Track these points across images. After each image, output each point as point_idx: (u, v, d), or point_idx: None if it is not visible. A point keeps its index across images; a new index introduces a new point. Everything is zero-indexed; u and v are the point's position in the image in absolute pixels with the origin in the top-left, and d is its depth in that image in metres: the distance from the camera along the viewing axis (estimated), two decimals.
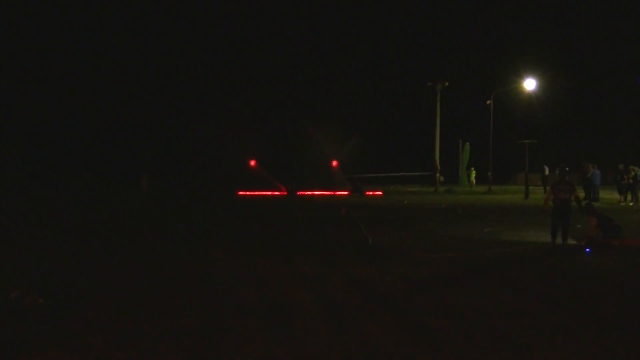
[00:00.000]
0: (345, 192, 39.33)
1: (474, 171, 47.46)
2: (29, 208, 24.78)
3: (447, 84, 49.45)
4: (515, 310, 8.74)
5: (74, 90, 56.01)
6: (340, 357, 6.77)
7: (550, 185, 16.11)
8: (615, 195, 30.49)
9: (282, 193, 37.30)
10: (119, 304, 9.04)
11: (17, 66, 48.47)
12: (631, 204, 28.33)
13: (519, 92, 47.18)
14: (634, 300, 9.58)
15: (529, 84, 44.70)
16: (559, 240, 15.10)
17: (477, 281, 10.97)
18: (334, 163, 44.66)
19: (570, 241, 15.66)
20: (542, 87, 48.01)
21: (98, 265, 12.38)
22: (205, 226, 20.02)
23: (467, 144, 50.83)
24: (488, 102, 45.27)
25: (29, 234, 16.84)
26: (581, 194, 32.88)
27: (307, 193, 37.81)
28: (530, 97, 48.89)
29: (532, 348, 7.07)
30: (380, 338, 7.41)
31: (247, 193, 38.17)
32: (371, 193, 38.89)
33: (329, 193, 39.10)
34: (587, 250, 14.30)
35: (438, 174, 46.28)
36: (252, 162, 43.35)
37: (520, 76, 45.57)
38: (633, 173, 28.73)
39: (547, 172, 39.53)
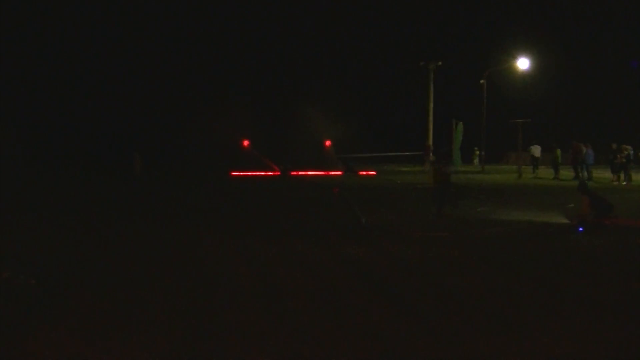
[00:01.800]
0: (339, 172, 39.24)
1: (477, 151, 46.92)
2: (22, 192, 24.68)
3: (440, 63, 49.26)
4: (508, 291, 8.76)
5: (65, 73, 55.68)
6: (333, 337, 6.77)
7: (434, 165, 19.19)
8: (607, 175, 30.51)
9: (275, 173, 37.18)
10: (112, 286, 9.01)
11: (4, 52, 48.11)
12: (624, 183, 28.37)
13: (513, 71, 47.09)
14: (626, 280, 9.60)
15: (522, 63, 44.64)
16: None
17: (470, 261, 10.98)
18: (327, 143, 44.50)
19: (563, 220, 15.72)
20: (536, 66, 47.92)
21: (92, 248, 12.33)
22: (199, 207, 19.99)
23: (460, 123, 50.51)
24: (481, 81, 45.18)
25: (21, 219, 16.77)
26: (571, 173, 33.08)
27: (300, 173, 37.73)
28: (523, 76, 48.81)
29: (524, 329, 7.08)
30: (374, 319, 7.41)
31: (241, 173, 38.04)
32: (364, 173, 38.82)
33: (322, 173, 38.99)
34: (580, 229, 14.34)
35: (431, 153, 46.12)
36: (245, 142, 43.14)
37: (514, 56, 45.47)
38: (626, 152, 28.74)
39: (534, 152, 39.40)
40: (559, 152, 34.35)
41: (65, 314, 7.63)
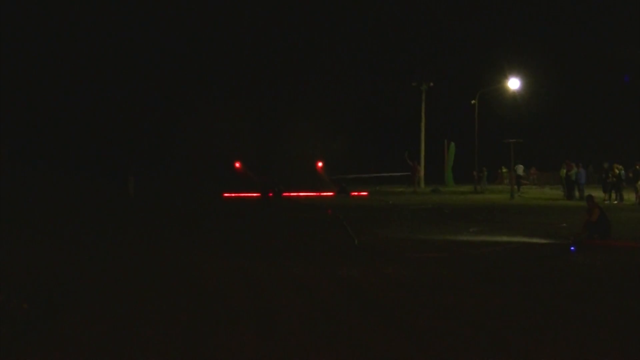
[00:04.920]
0: (331, 193, 39.27)
1: (485, 171, 45.76)
2: (14, 210, 24.59)
3: (432, 84, 49.55)
4: (502, 310, 8.76)
5: (58, 91, 55.62)
6: (328, 357, 6.75)
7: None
8: (600, 194, 30.62)
9: (269, 195, 37.07)
10: (108, 308, 8.98)
11: None
12: (615, 202, 28.47)
13: (504, 91, 47.34)
14: (621, 298, 9.60)
15: (513, 84, 44.90)
16: None
17: (464, 281, 10.99)
18: (320, 164, 44.67)
19: (556, 240, 15.76)
20: (527, 86, 48.18)
21: (86, 269, 12.29)
22: (193, 229, 19.97)
23: (453, 143, 50.86)
24: (473, 101, 45.40)
25: (14, 237, 16.72)
26: (560, 192, 33.15)
27: (292, 194, 37.73)
28: (514, 96, 49.06)
29: (520, 348, 7.08)
30: (369, 339, 7.40)
31: (233, 195, 38.09)
32: (357, 194, 38.86)
33: (315, 194, 39.05)
34: (572, 248, 14.36)
35: (419, 174, 45.84)
36: (238, 164, 43.31)
37: (505, 76, 45.72)
38: (617, 171, 28.87)
39: (518, 171, 39.58)
40: (563, 171, 34.18)
41: (59, 338, 7.59)
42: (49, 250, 14.70)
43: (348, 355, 6.85)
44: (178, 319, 8.32)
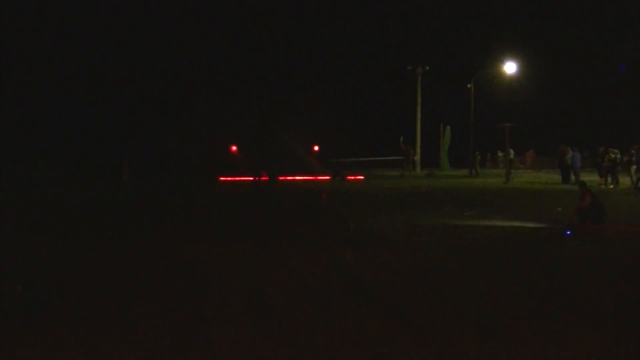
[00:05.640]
0: (327, 177, 39.25)
1: (500, 154, 45.13)
2: (7, 199, 24.54)
3: (427, 68, 49.47)
4: (498, 298, 8.75)
5: (49, 75, 55.40)
6: (323, 346, 6.75)
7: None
8: (595, 178, 30.63)
9: (264, 178, 37.04)
10: (102, 295, 8.95)
11: None
12: (611, 186, 28.50)
13: (500, 75, 47.25)
14: (616, 285, 9.61)
15: (509, 68, 44.81)
16: None
17: (459, 268, 10.96)
18: (315, 148, 44.67)
19: (550, 224, 15.76)
20: (523, 70, 48.09)
21: (80, 257, 12.25)
22: (188, 214, 19.94)
23: (448, 127, 50.76)
24: (469, 85, 45.31)
25: (8, 224, 16.67)
26: (556, 176, 33.19)
27: (288, 178, 37.70)
28: (510, 80, 48.96)
29: (515, 334, 7.08)
30: (363, 327, 7.39)
31: (229, 179, 38.08)
32: (353, 178, 38.83)
33: (310, 178, 39.04)
34: (568, 232, 14.35)
35: (414, 158, 45.73)
36: (233, 148, 43.34)
37: (501, 60, 45.63)
38: (613, 156, 28.89)
39: (511, 155, 39.63)
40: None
41: (52, 322, 7.57)
42: (43, 238, 14.64)
43: (342, 343, 6.85)
44: (171, 307, 8.30)
